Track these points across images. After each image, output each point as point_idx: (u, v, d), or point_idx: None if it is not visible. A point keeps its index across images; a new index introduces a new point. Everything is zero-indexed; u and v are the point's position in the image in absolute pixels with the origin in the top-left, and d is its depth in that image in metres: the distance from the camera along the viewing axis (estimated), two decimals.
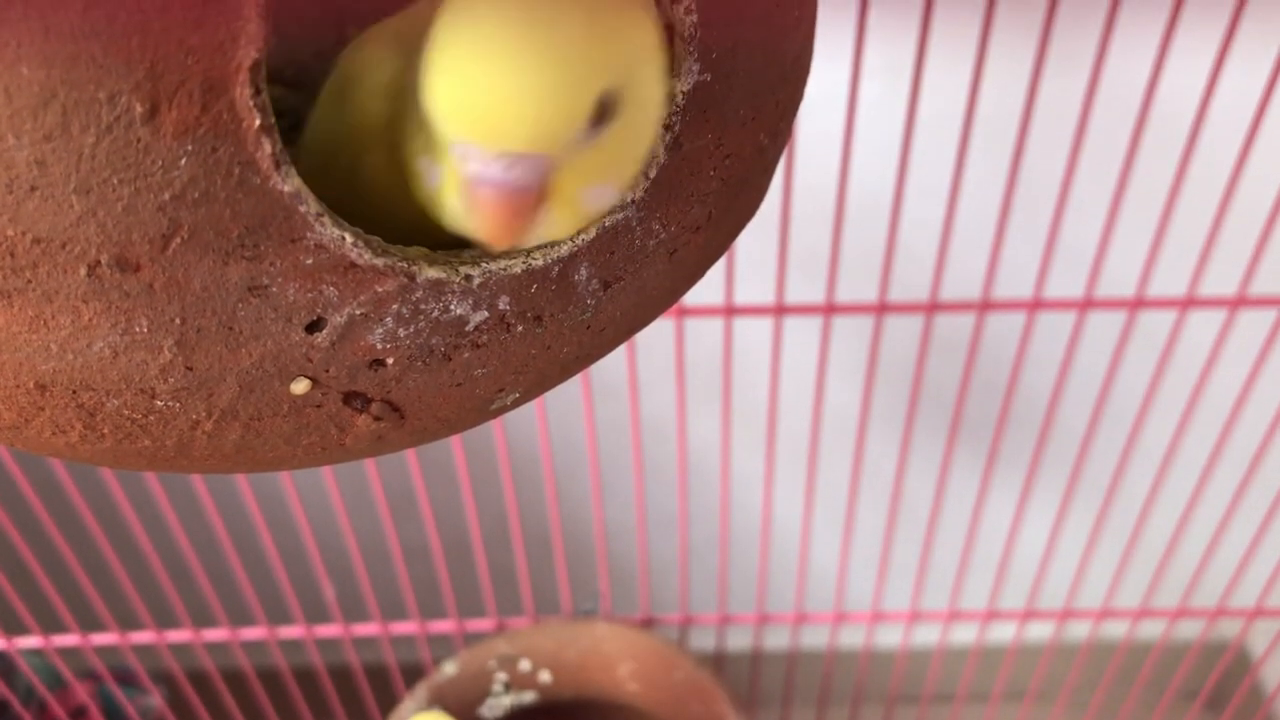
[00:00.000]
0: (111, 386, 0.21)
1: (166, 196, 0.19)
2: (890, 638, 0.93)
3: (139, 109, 0.18)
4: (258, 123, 0.19)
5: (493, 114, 0.20)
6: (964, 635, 0.78)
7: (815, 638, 0.87)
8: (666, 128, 0.24)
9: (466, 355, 0.24)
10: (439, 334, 0.23)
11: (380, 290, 0.22)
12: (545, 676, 0.66)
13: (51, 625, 0.64)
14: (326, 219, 0.21)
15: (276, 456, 0.24)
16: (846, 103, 0.46)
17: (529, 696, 0.66)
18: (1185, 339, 0.58)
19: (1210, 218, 0.50)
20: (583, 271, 0.24)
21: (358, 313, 0.22)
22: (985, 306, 0.53)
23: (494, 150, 0.21)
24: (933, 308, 0.53)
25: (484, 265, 0.23)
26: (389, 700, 0.73)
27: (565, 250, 0.24)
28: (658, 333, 0.66)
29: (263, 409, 0.23)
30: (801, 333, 0.75)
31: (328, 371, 0.22)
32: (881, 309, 0.53)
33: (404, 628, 0.68)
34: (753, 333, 0.76)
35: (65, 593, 0.63)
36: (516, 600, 0.71)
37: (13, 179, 0.18)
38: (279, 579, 0.65)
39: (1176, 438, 0.59)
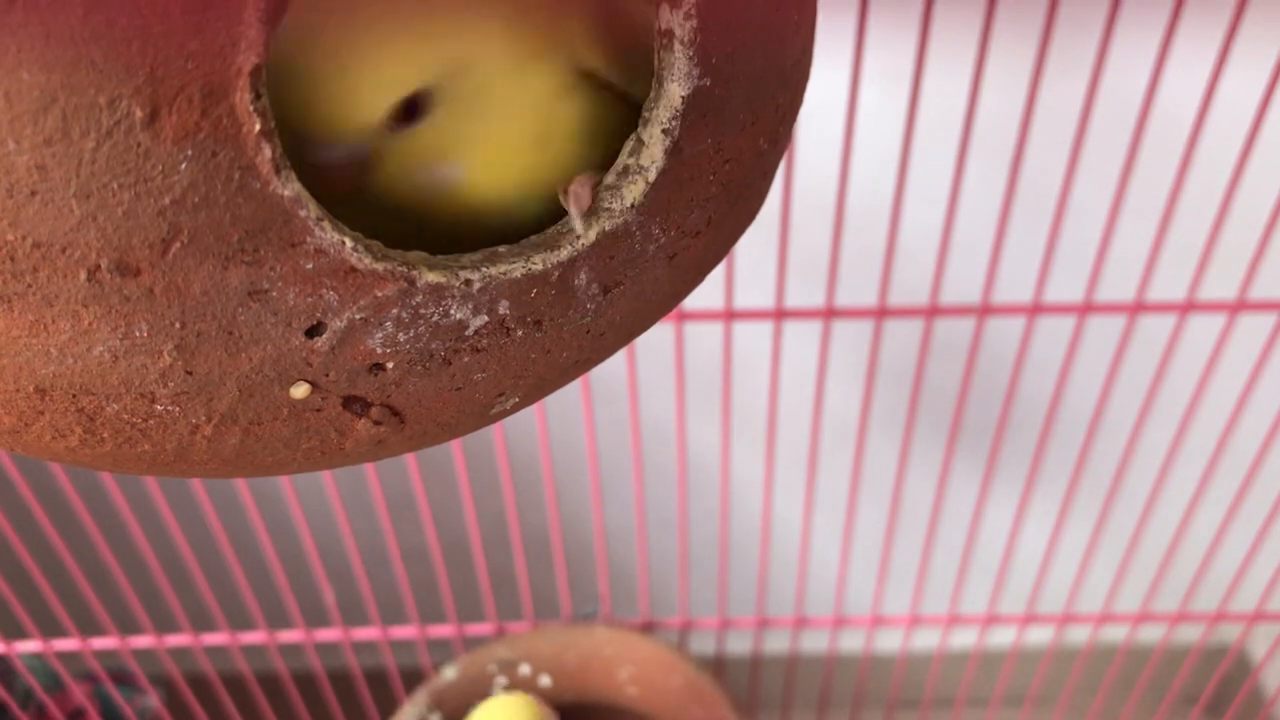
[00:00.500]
0: (111, 391, 0.21)
1: (166, 201, 0.19)
2: (890, 642, 0.93)
3: (139, 114, 0.18)
4: (258, 127, 0.19)
5: (310, 106, 0.22)
6: (964, 639, 0.78)
7: (815, 642, 0.87)
8: (665, 132, 0.24)
9: (466, 359, 0.24)
10: (439, 338, 0.23)
11: (380, 294, 0.22)
12: (545, 680, 0.66)
13: (51, 629, 0.64)
14: (326, 223, 0.21)
15: (276, 461, 0.24)
16: (846, 107, 0.46)
17: None
18: (1185, 343, 0.58)
19: (1210, 222, 0.50)
20: (582, 276, 0.24)
21: (357, 317, 0.22)
22: (985, 311, 0.53)
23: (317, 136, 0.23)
24: (933, 312, 0.53)
25: (484, 270, 0.23)
26: (388, 705, 0.73)
27: (565, 255, 0.24)
28: (658, 337, 0.66)
29: (262, 413, 0.23)
30: (801, 337, 0.75)
31: (327, 376, 0.22)
32: (881, 313, 0.53)
33: (403, 632, 0.68)
34: (753, 337, 0.76)
35: (65, 597, 0.63)
36: (516, 604, 0.71)
37: (13, 183, 0.18)
38: (278, 583, 0.65)
39: (1176, 442, 0.59)
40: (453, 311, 0.23)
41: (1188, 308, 0.53)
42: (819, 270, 0.67)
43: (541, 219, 0.25)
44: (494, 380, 0.24)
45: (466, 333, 0.23)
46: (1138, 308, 0.53)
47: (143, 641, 0.65)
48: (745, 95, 0.25)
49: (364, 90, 0.23)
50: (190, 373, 0.21)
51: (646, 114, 0.24)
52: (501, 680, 0.66)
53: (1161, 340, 0.57)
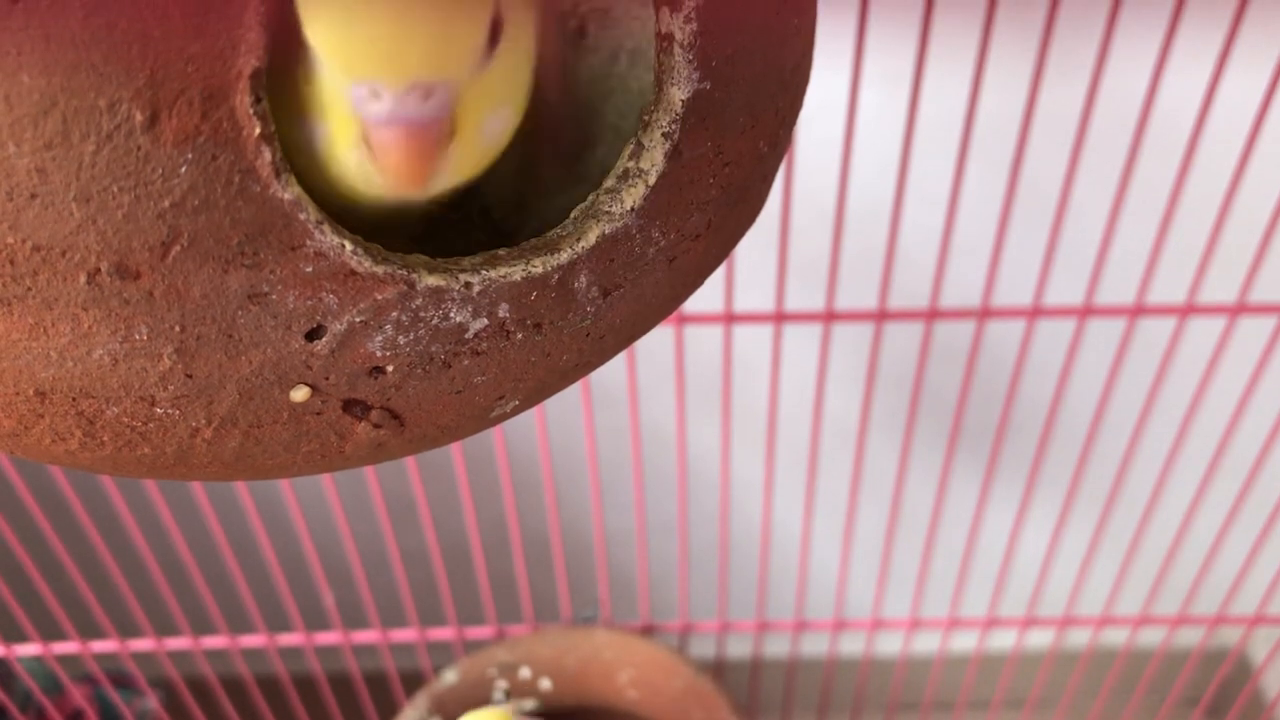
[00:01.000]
0: (111, 394, 0.21)
1: (166, 204, 0.19)
2: (890, 645, 0.93)
3: (139, 117, 0.18)
4: (258, 131, 0.19)
5: (395, 43, 0.19)
6: (964, 643, 0.78)
7: (815, 645, 0.87)
8: (665, 135, 0.24)
9: (466, 363, 0.24)
10: (438, 341, 0.23)
11: (380, 298, 0.22)
12: (545, 684, 0.66)
13: (51, 632, 0.64)
14: (326, 226, 0.21)
15: (276, 464, 0.24)
16: (846, 110, 0.46)
17: (529, 704, 0.66)
18: (1185, 346, 0.58)
19: (1210, 224, 0.50)
20: (582, 279, 0.24)
21: (357, 320, 0.22)
22: (985, 314, 0.53)
23: (402, 84, 0.19)
24: (932, 315, 0.53)
25: (483, 273, 0.23)
26: (389, 708, 0.73)
27: (565, 258, 0.24)
28: (658, 340, 0.66)
29: (262, 416, 0.23)
30: (801, 340, 0.75)
31: (327, 379, 0.22)
32: (881, 316, 0.53)
33: (404, 635, 0.68)
34: (753, 340, 0.76)
35: (64, 599, 0.63)
36: (516, 607, 0.71)
37: (13, 186, 0.18)
38: (278, 586, 0.65)
39: (1176, 445, 0.59)
40: (452, 314, 0.23)
41: (1188, 310, 0.53)
42: (819, 273, 0.67)
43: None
44: (494, 383, 0.24)
45: (466, 336, 0.23)
46: (1138, 310, 0.53)
47: (142, 644, 0.65)
48: (745, 98, 0.25)
49: (471, 4, 0.19)
50: (190, 376, 0.21)
51: (646, 117, 0.24)
52: (502, 684, 0.66)
53: (1162, 343, 0.57)
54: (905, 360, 0.71)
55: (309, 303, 0.21)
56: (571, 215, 0.24)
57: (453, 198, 0.24)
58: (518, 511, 0.63)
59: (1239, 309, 0.53)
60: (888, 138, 0.56)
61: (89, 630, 0.65)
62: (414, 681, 0.70)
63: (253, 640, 0.67)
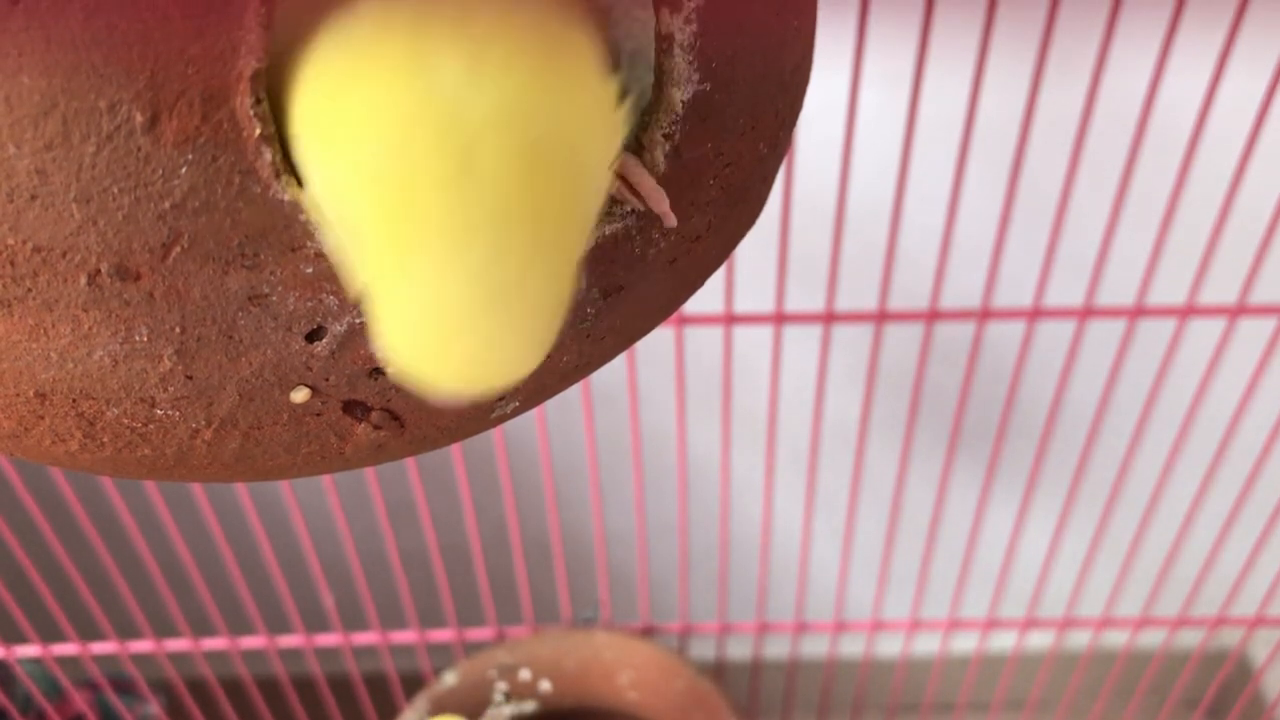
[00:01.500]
0: (111, 395, 0.21)
1: (167, 205, 0.19)
2: (890, 647, 0.93)
3: (139, 118, 0.18)
4: (258, 132, 0.19)
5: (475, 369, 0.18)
6: (964, 644, 0.78)
7: (815, 646, 0.87)
8: (666, 137, 0.24)
9: None
10: None
11: None
12: (545, 685, 0.66)
13: (51, 634, 0.64)
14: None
15: (276, 465, 0.24)
16: (846, 111, 0.46)
17: (529, 706, 0.66)
18: (1185, 347, 0.58)
19: (1210, 226, 0.50)
20: (582, 281, 0.24)
21: (358, 321, 0.22)
22: (985, 315, 0.53)
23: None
24: (933, 316, 0.53)
25: None
26: (389, 710, 0.73)
27: None
28: (658, 341, 0.66)
29: (262, 418, 0.22)
30: (801, 341, 0.75)
31: (327, 380, 0.22)
32: (881, 317, 0.53)
33: (403, 637, 0.68)
34: (753, 341, 0.76)
35: (64, 602, 0.63)
36: (516, 609, 0.71)
37: (13, 188, 0.18)
38: (278, 588, 0.65)
39: (1177, 446, 0.59)
40: None
41: (1188, 312, 0.53)
42: (819, 274, 0.67)
43: None
44: None
45: None
46: (1138, 312, 0.53)
47: (142, 646, 0.65)
48: (745, 100, 0.25)
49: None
50: (190, 377, 0.21)
51: (646, 118, 0.24)
52: (502, 685, 0.66)
53: (1162, 344, 0.57)
54: (905, 361, 0.71)
55: (309, 304, 0.21)
56: None
57: None
58: (518, 512, 0.63)
59: (1239, 310, 0.53)
60: (888, 138, 0.56)
61: (89, 632, 0.65)
62: (414, 683, 0.70)
63: (253, 642, 0.67)
